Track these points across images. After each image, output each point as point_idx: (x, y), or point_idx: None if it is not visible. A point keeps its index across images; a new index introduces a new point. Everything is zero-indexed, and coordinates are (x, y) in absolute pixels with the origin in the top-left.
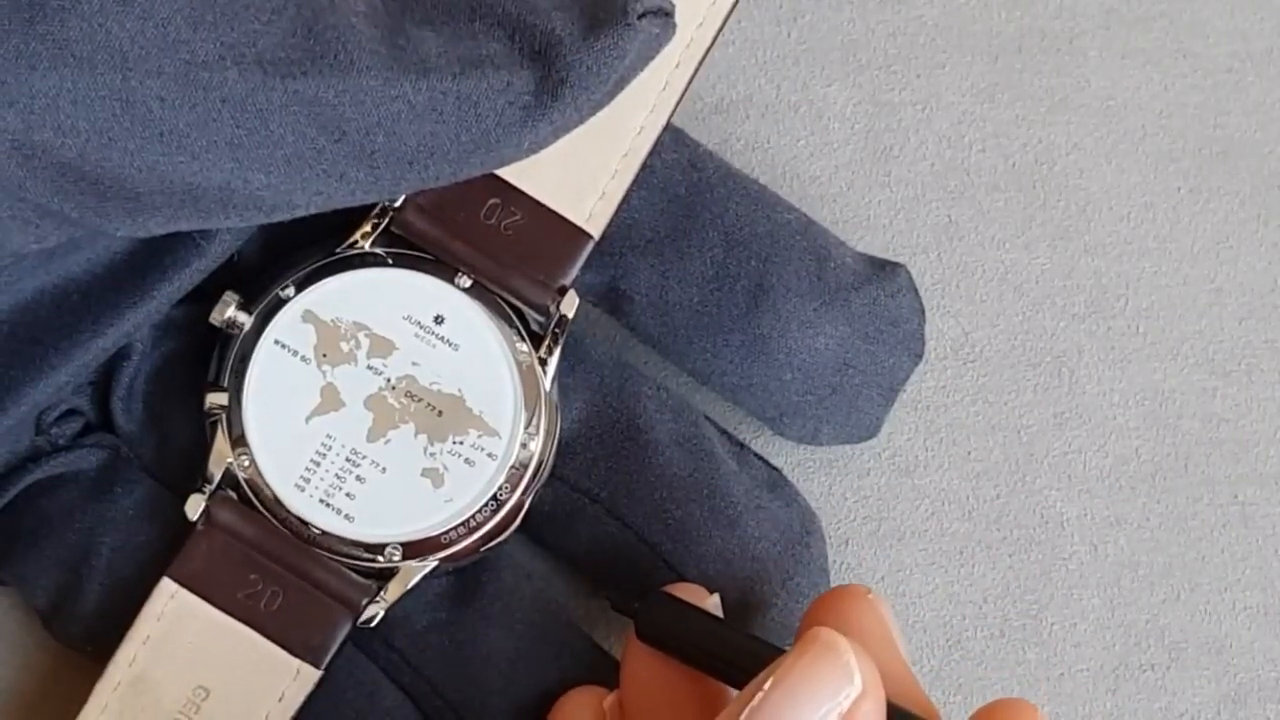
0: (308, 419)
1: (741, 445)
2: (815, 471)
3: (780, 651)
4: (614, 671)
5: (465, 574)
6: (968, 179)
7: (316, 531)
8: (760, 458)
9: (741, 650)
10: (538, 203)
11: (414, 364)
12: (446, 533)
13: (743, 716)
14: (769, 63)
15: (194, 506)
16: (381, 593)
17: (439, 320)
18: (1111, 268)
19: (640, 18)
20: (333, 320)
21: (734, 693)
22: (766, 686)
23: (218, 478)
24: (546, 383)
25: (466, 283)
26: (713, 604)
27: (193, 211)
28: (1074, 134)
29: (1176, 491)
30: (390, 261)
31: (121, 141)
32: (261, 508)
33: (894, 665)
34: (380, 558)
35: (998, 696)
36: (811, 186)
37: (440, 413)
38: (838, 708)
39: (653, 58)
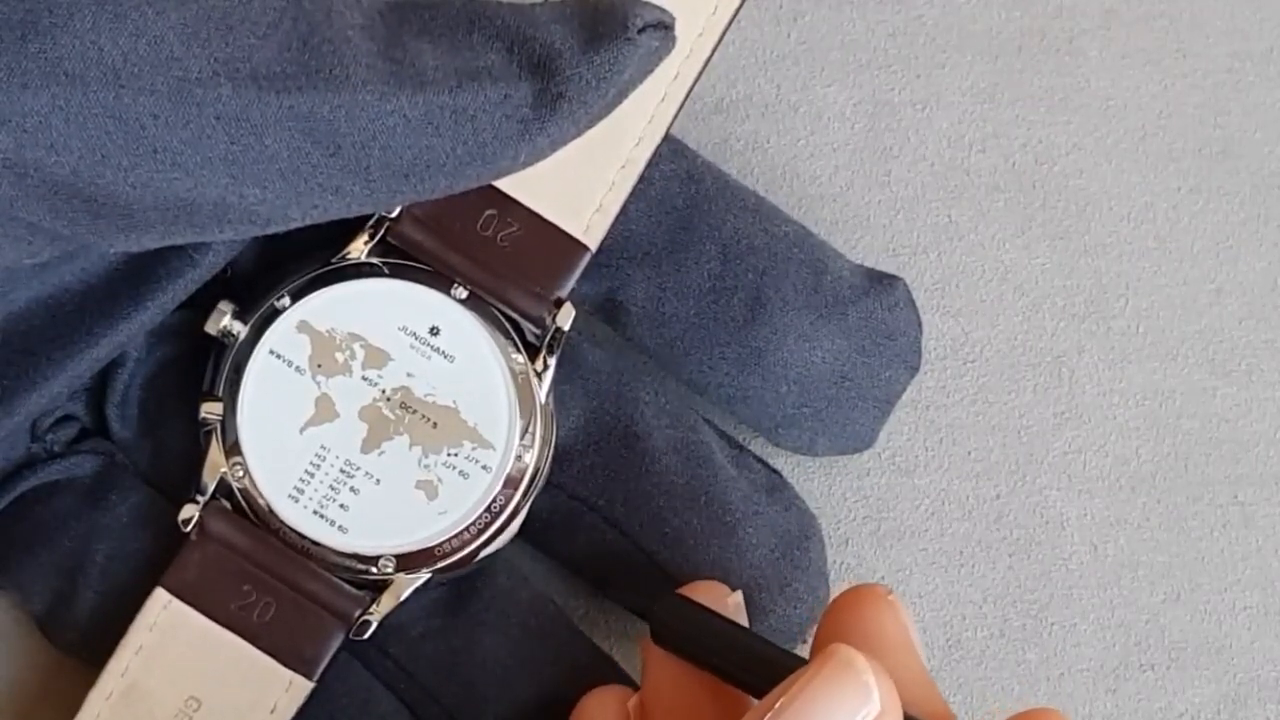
0: (302, 430)
1: (740, 448)
2: (815, 472)
3: (797, 659)
4: (615, 673)
5: (461, 579)
6: (968, 179)
7: (310, 543)
8: (760, 460)
9: (755, 656)
10: (535, 214)
11: (409, 375)
12: (440, 545)
13: None
14: (769, 63)
15: (187, 516)
16: (374, 604)
17: (434, 331)
18: (1111, 268)
19: (640, 31)
20: (328, 331)
21: (754, 701)
22: (780, 703)
23: (211, 487)
24: (542, 394)
25: (462, 294)
26: (734, 604)
27: (187, 226)
28: (1074, 134)
29: (1176, 491)
30: (386, 272)
31: (114, 159)
32: (255, 518)
33: (913, 671)
34: (373, 569)
35: (998, 696)
36: (811, 187)
37: (435, 424)
38: None
39: (652, 71)
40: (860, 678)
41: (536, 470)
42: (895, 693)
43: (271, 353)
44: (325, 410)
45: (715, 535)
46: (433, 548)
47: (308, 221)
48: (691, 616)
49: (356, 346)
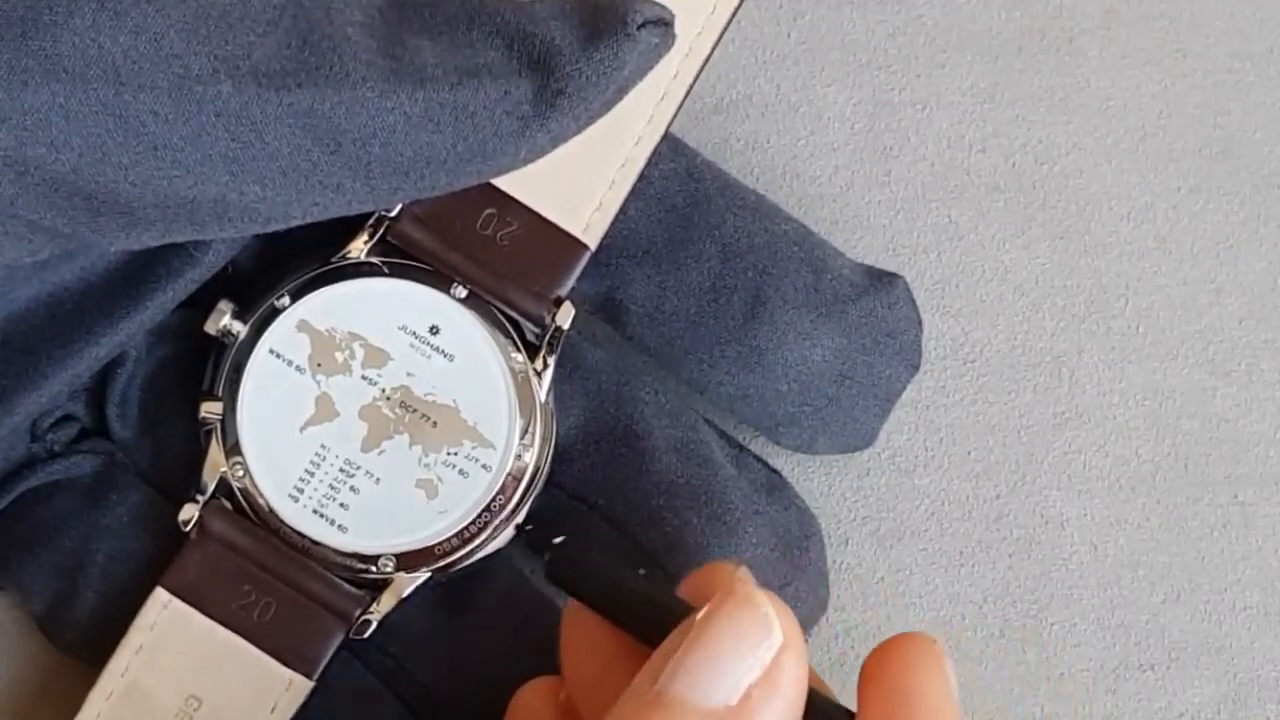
0: (302, 429)
1: (740, 448)
2: (815, 472)
3: (688, 607)
4: None
5: (461, 579)
6: (968, 179)
7: (310, 542)
8: (759, 460)
9: (647, 601)
10: (534, 213)
11: (409, 374)
12: (440, 544)
13: (664, 676)
14: (769, 63)
15: (187, 516)
16: (374, 603)
17: (434, 330)
18: (1111, 268)
19: (640, 28)
20: (328, 330)
21: None
22: (685, 643)
23: (211, 487)
24: (542, 393)
25: (462, 293)
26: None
27: (188, 224)
28: (1074, 134)
29: (1176, 491)
30: (386, 271)
31: (115, 156)
32: (255, 518)
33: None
34: (373, 569)
35: (998, 696)
36: (811, 187)
37: (435, 423)
38: (760, 661)
39: (652, 68)
40: (759, 610)
41: (536, 469)
42: (797, 625)
43: (271, 352)
44: (325, 409)
45: (715, 535)
46: (433, 547)
47: (308, 219)
48: (591, 559)
49: (356, 346)
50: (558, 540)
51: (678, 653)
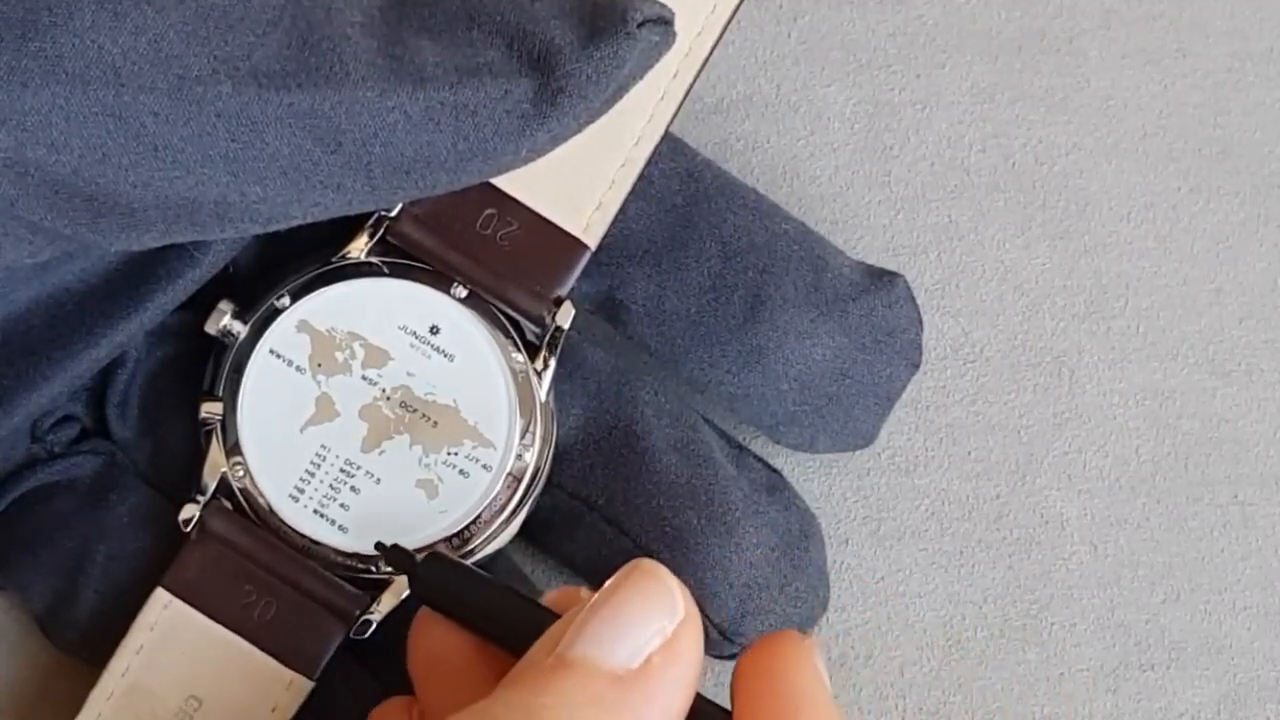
0: (302, 429)
1: (740, 447)
2: (815, 471)
3: (556, 616)
4: None
5: None
6: (968, 179)
7: (310, 542)
8: (759, 459)
9: (518, 614)
10: (534, 213)
11: (409, 374)
12: (440, 544)
13: (565, 640)
14: (769, 63)
15: (187, 515)
16: (375, 603)
17: (434, 330)
18: (1111, 268)
19: (640, 26)
20: (328, 330)
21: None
22: (589, 608)
23: (212, 487)
24: (542, 393)
25: (462, 293)
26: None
27: (189, 225)
28: (1074, 134)
29: (1176, 491)
30: (386, 271)
31: (115, 158)
32: (256, 518)
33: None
34: (374, 569)
35: (998, 696)
36: (811, 186)
37: (435, 423)
38: (662, 630)
39: (652, 66)
40: (665, 583)
41: (537, 469)
42: (694, 603)
43: (272, 352)
44: (325, 409)
45: (715, 534)
46: (433, 546)
47: (309, 219)
48: (458, 572)
49: (356, 346)
50: (422, 555)
51: (580, 618)
